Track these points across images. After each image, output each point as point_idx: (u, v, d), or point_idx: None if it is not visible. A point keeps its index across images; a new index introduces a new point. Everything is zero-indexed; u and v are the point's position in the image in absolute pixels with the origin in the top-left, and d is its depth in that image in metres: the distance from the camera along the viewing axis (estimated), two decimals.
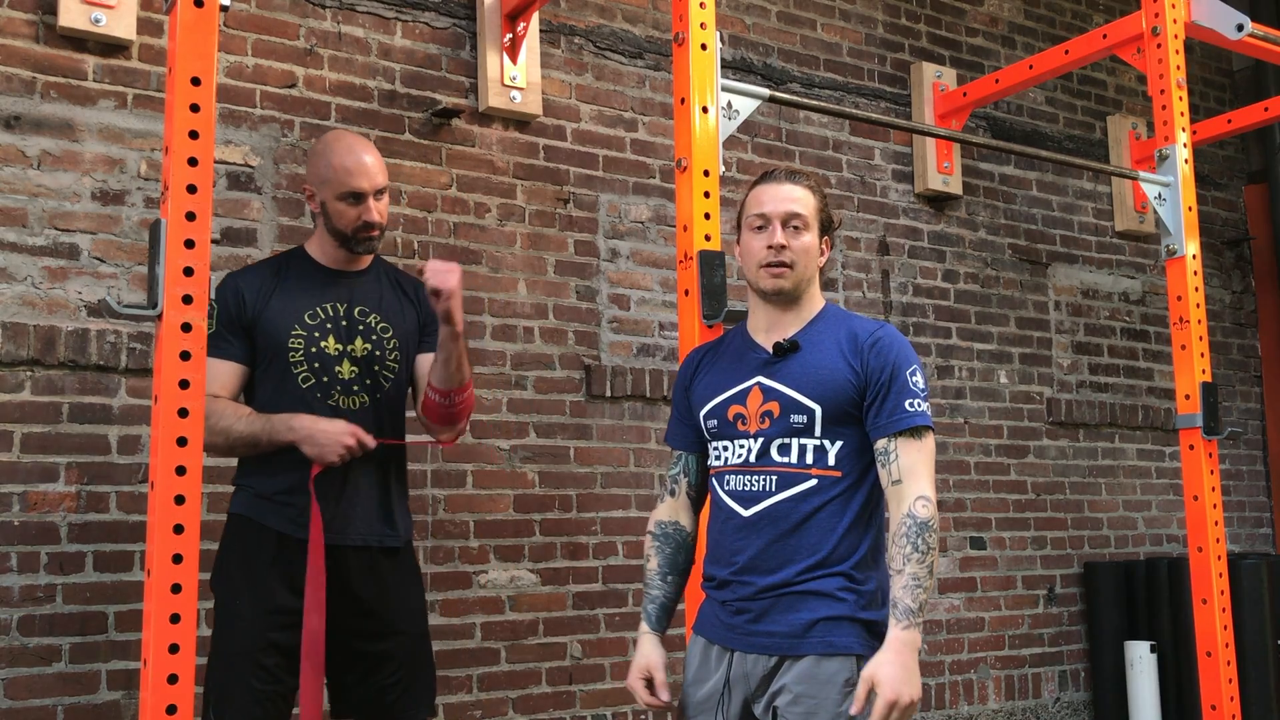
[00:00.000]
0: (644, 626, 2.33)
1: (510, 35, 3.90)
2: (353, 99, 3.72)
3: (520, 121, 4.00)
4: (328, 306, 2.67)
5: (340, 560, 2.59)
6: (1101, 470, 5.32)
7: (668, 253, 4.23)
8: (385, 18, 3.82)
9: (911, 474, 2.13)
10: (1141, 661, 4.87)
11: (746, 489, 2.21)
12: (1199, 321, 3.91)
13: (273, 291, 2.64)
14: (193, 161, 2.19)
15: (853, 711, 2.05)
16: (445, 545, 3.69)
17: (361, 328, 2.68)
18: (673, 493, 2.39)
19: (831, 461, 2.17)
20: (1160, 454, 5.52)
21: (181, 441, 2.14)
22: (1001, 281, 5.14)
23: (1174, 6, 4.03)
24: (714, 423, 2.28)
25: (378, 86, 3.77)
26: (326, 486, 2.56)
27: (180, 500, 2.12)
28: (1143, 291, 5.64)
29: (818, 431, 2.17)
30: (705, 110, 2.93)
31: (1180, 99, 3.97)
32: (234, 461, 2.71)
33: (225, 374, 2.56)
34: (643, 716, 3.96)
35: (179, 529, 2.12)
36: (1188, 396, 3.87)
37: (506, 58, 3.91)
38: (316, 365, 2.62)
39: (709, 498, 2.35)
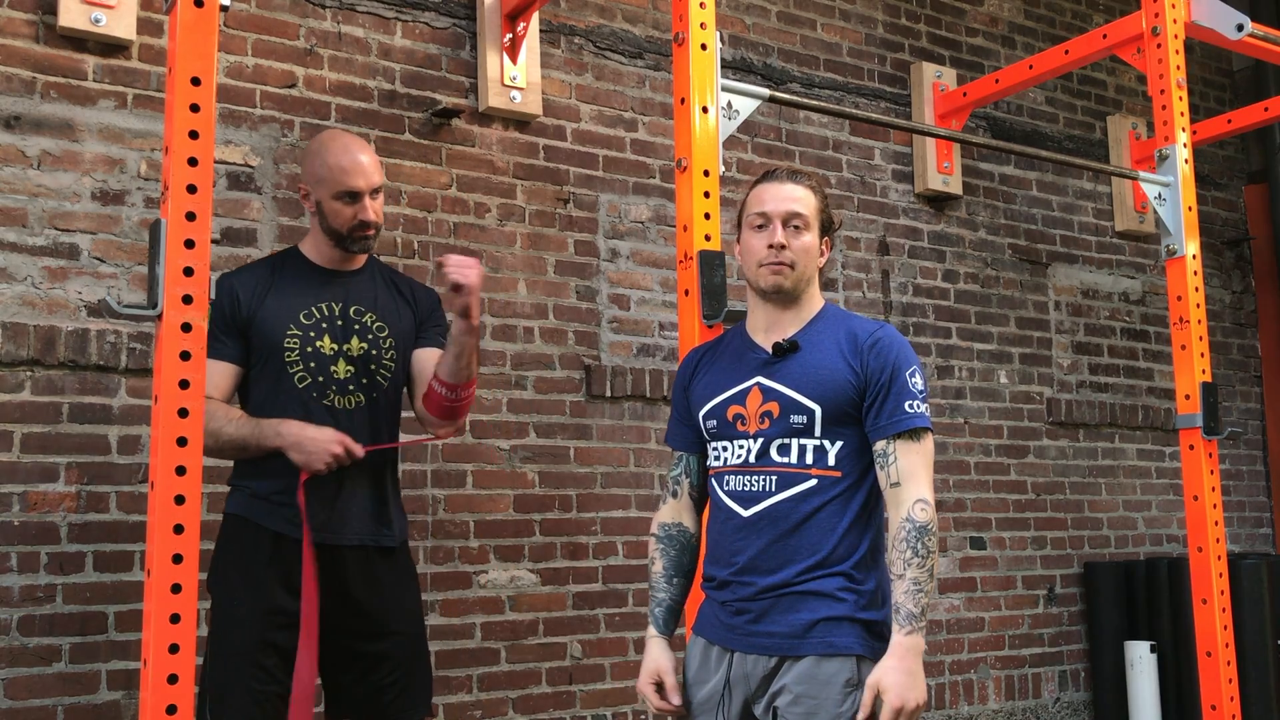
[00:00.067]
0: (651, 630, 2.33)
1: (510, 35, 3.90)
2: (353, 99, 3.72)
3: (520, 121, 4.00)
4: (323, 306, 2.67)
5: (336, 560, 2.59)
6: (1101, 470, 5.32)
7: (668, 253, 4.23)
8: (385, 18, 3.82)
9: (910, 477, 2.13)
10: (1141, 661, 4.87)
11: (746, 489, 2.21)
12: (1199, 321, 3.91)
13: (268, 291, 2.64)
14: (193, 161, 2.19)
15: (859, 718, 2.05)
16: (445, 545, 3.69)
17: (357, 327, 2.68)
18: (675, 494, 2.39)
19: (831, 462, 2.17)
20: (1160, 454, 5.52)
21: (181, 441, 2.14)
22: (1001, 281, 5.14)
23: (1174, 6, 4.03)
24: (713, 423, 2.27)
25: (378, 86, 3.77)
26: (321, 487, 2.56)
27: (180, 500, 2.12)
28: (1143, 291, 5.64)
29: (817, 432, 2.17)
30: (705, 110, 2.93)
31: (1180, 99, 3.97)
32: (231, 461, 2.71)
33: (218, 374, 2.55)
34: (643, 717, 3.96)
35: (179, 529, 2.12)
36: (1188, 396, 3.87)
37: (506, 58, 3.91)
38: (312, 365, 2.61)
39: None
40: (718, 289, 2.82)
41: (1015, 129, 5.28)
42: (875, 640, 2.13)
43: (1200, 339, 3.89)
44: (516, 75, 3.93)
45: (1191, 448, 3.86)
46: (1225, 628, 3.78)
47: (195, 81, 2.21)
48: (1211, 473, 3.85)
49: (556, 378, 3.97)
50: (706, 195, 2.87)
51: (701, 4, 2.94)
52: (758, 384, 2.24)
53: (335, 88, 3.70)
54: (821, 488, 2.16)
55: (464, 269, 2.52)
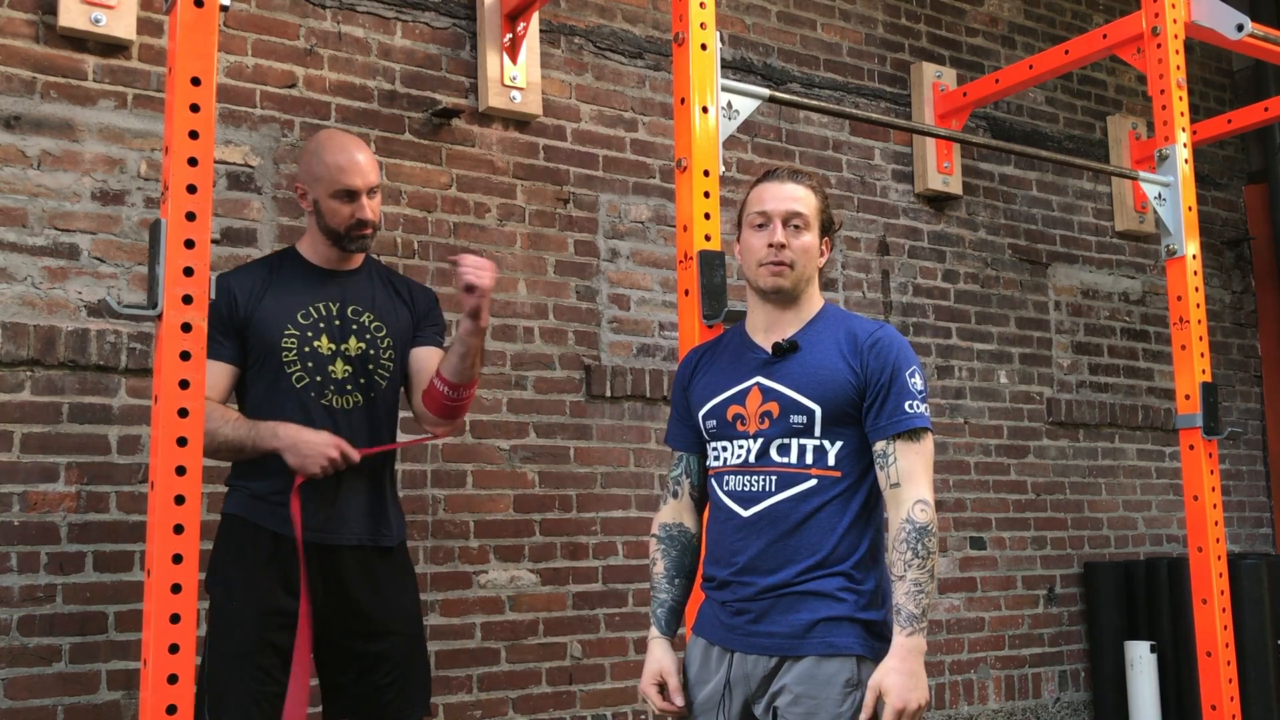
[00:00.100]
0: (654, 631, 2.33)
1: (510, 35, 3.90)
2: (353, 99, 3.72)
3: (520, 121, 4.00)
4: (320, 306, 2.66)
5: (335, 560, 2.59)
6: (1101, 470, 5.32)
7: (668, 253, 4.23)
8: (385, 18, 3.82)
9: (910, 477, 2.13)
10: (1141, 661, 4.87)
11: (746, 489, 2.20)
12: (1199, 321, 3.91)
13: (265, 291, 2.64)
14: (193, 161, 2.19)
15: (861, 719, 2.05)
16: (445, 545, 3.69)
17: (355, 327, 2.68)
18: (675, 494, 2.39)
19: (831, 462, 2.17)
20: (1160, 454, 5.52)
21: (181, 441, 2.14)
22: (1001, 281, 5.14)
23: (1174, 6, 4.03)
24: (713, 423, 2.27)
25: (378, 86, 3.77)
26: (319, 487, 2.55)
27: (180, 500, 2.12)
28: (1143, 291, 5.64)
29: (817, 432, 2.17)
30: (705, 110, 2.93)
31: (1180, 99, 3.97)
32: (228, 462, 2.70)
33: (215, 375, 2.54)
34: (643, 717, 3.96)
35: (179, 529, 2.12)
36: (1188, 396, 3.87)
37: (506, 58, 3.91)
38: (310, 365, 2.61)
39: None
40: (718, 289, 2.82)
41: (1015, 129, 5.28)
42: (875, 640, 2.13)
43: (1200, 339, 3.89)
44: (516, 75, 3.93)
45: (1191, 448, 3.86)
46: (1225, 628, 3.78)
47: (195, 81, 2.21)
48: (1211, 473, 3.84)
49: (556, 378, 3.97)
50: (706, 195, 2.87)
51: (701, 4, 2.94)
52: (757, 384, 2.23)
53: (335, 88, 3.70)
54: (821, 488, 2.16)
55: (480, 270, 2.54)
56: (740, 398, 2.24)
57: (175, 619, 2.10)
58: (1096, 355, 5.41)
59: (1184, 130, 3.97)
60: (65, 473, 3.18)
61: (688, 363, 2.42)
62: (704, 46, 2.94)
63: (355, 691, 2.63)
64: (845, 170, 4.76)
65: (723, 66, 3.07)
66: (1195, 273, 3.94)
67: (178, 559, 2.11)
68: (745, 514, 2.20)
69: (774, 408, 2.19)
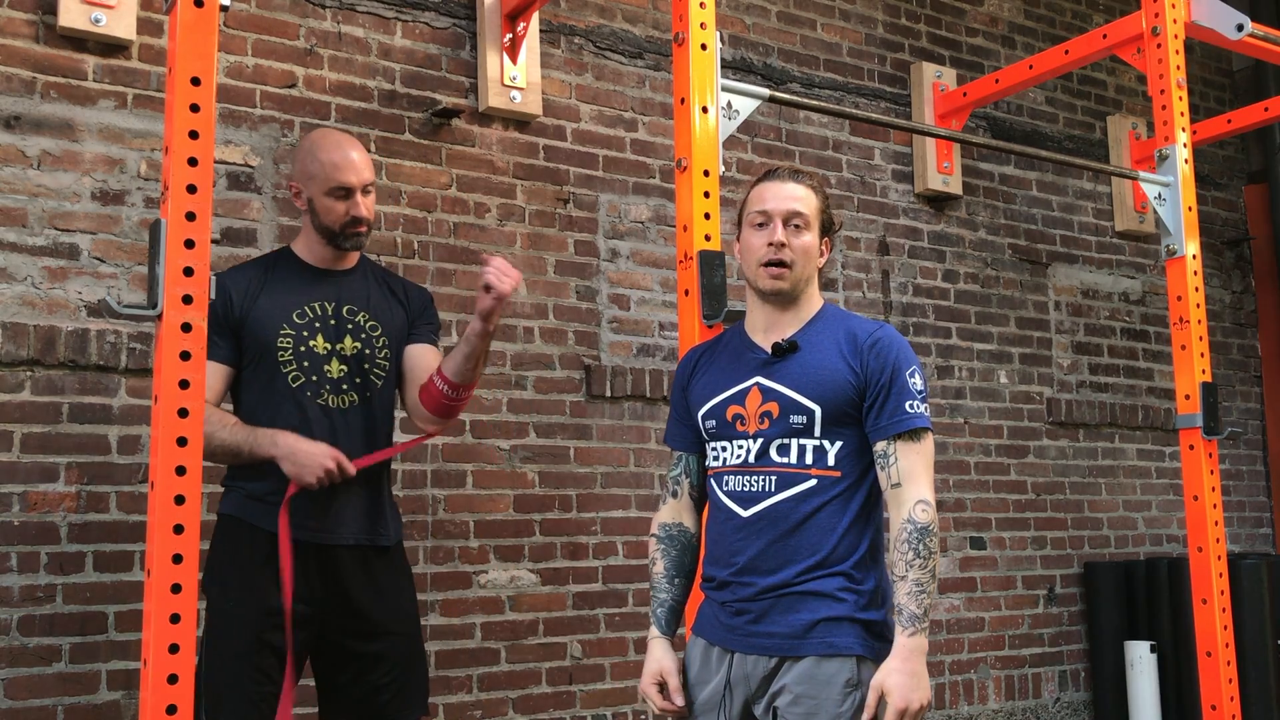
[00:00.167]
0: (654, 631, 2.32)
1: (510, 35, 3.90)
2: (353, 99, 3.72)
3: (520, 121, 4.00)
4: (315, 305, 2.66)
5: (333, 560, 2.59)
6: (1101, 470, 5.32)
7: (668, 253, 4.23)
8: (385, 18, 3.82)
9: (911, 477, 2.13)
10: (1141, 661, 4.87)
11: (746, 489, 2.20)
12: (1199, 321, 3.91)
13: (260, 291, 2.64)
14: (193, 161, 2.19)
15: (864, 719, 2.06)
16: (445, 545, 3.69)
17: (350, 326, 2.68)
18: (675, 494, 2.39)
19: (831, 462, 2.17)
20: (1160, 454, 5.52)
21: (181, 441, 2.14)
22: (1001, 281, 5.14)
23: (1174, 6, 4.03)
24: (712, 423, 2.27)
25: (378, 86, 3.77)
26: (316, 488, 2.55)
27: (180, 500, 2.12)
28: (1143, 291, 5.64)
29: (817, 432, 2.17)
30: (705, 110, 2.93)
31: (1180, 99, 3.97)
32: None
33: (210, 375, 2.53)
34: (643, 717, 3.96)
35: (179, 529, 2.12)
36: (1188, 396, 3.87)
37: (506, 58, 3.91)
38: (306, 364, 2.61)
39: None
40: (718, 289, 2.82)
41: (1015, 129, 5.28)
42: (875, 640, 2.13)
43: (1200, 339, 3.89)
44: (516, 75, 3.93)
45: (1191, 448, 3.86)
46: (1225, 628, 3.78)
47: (195, 81, 2.21)
48: (1211, 473, 3.84)
49: (556, 378, 3.97)
50: (706, 195, 2.87)
51: (701, 4, 2.94)
52: (757, 384, 2.23)
53: (335, 88, 3.70)
54: (821, 488, 2.16)
55: (504, 276, 2.54)
56: (740, 398, 2.24)
57: (175, 619, 2.10)
58: (1096, 355, 5.41)
59: (1184, 130, 3.97)
60: (65, 473, 3.18)
61: (687, 362, 2.41)
62: (704, 46, 2.94)
63: (353, 692, 2.63)
64: (845, 170, 4.76)
65: (723, 66, 3.07)
66: (1195, 273, 3.94)
67: (178, 559, 2.11)
68: (745, 514, 2.20)
69: (774, 408, 2.19)
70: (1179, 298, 3.93)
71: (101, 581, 3.19)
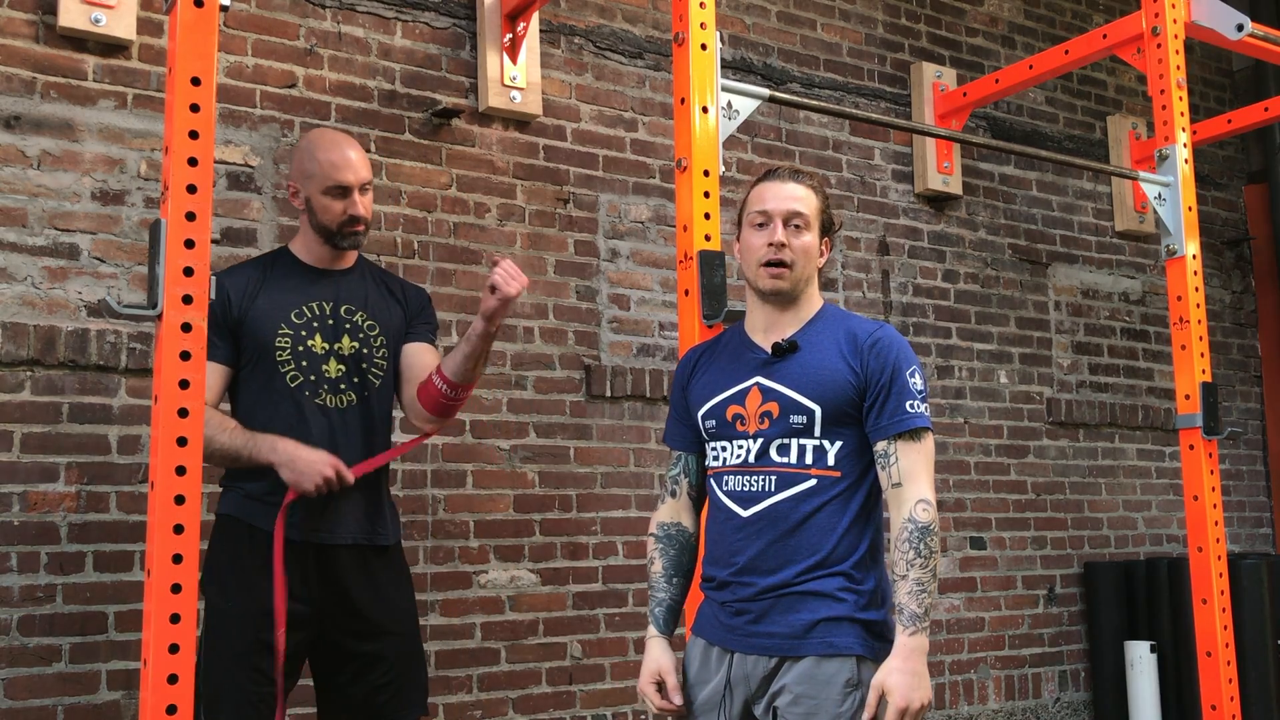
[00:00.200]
0: (652, 630, 2.32)
1: (510, 35, 3.90)
2: (353, 99, 3.72)
3: (520, 121, 4.00)
4: (314, 305, 2.66)
5: (332, 560, 2.58)
6: (1101, 470, 5.32)
7: (668, 253, 4.23)
8: (385, 18, 3.82)
9: (911, 477, 2.13)
10: (1141, 661, 4.87)
11: (745, 489, 2.20)
12: (1199, 321, 3.91)
13: (258, 291, 2.64)
14: (193, 161, 2.19)
15: (864, 719, 2.06)
16: (445, 545, 3.69)
17: (348, 326, 2.68)
18: (674, 493, 2.39)
19: (831, 462, 2.17)
20: (1160, 454, 5.52)
21: (181, 441, 2.14)
22: (1001, 281, 5.14)
23: (1174, 6, 4.03)
24: (712, 423, 2.27)
25: (378, 86, 3.77)
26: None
27: (180, 500, 2.12)
28: (1143, 291, 5.64)
29: (817, 432, 2.17)
30: (705, 110, 2.93)
31: (1180, 99, 3.97)
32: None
33: (209, 376, 2.53)
34: (643, 717, 3.96)
35: (179, 529, 2.12)
36: (1188, 396, 3.87)
37: (506, 58, 3.91)
38: (304, 364, 2.61)
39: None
40: (718, 289, 2.82)
41: (1015, 129, 5.28)
42: (875, 640, 2.13)
43: (1200, 339, 3.89)
44: (516, 75, 3.93)
45: (1191, 448, 3.86)
46: (1225, 628, 3.78)
47: (195, 81, 2.21)
48: (1211, 473, 3.84)
49: (556, 378, 3.97)
50: (706, 195, 2.87)
51: (701, 4, 2.94)
52: (757, 384, 2.23)
53: (335, 88, 3.70)
54: (821, 488, 2.16)
55: (512, 280, 2.54)
56: (740, 398, 2.24)
57: (175, 619, 2.10)
58: (1096, 355, 5.41)
59: (1184, 130, 3.97)
60: (65, 473, 3.18)
61: (686, 362, 2.41)
62: (704, 46, 2.94)
63: (352, 692, 2.63)
64: (845, 170, 4.76)
65: (723, 66, 3.07)
66: (1195, 273, 3.94)
67: (178, 559, 2.11)
68: (745, 514, 2.20)
69: (774, 408, 2.19)
70: (1179, 298, 3.93)
71: (101, 581, 3.19)
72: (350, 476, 2.54)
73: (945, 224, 5.00)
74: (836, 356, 2.20)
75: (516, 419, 3.87)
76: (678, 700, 2.25)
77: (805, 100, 3.84)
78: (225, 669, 2.49)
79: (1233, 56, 6.20)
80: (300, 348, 2.62)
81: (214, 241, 3.01)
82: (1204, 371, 3.87)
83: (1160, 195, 3.96)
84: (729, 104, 3.00)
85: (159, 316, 2.16)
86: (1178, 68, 3.98)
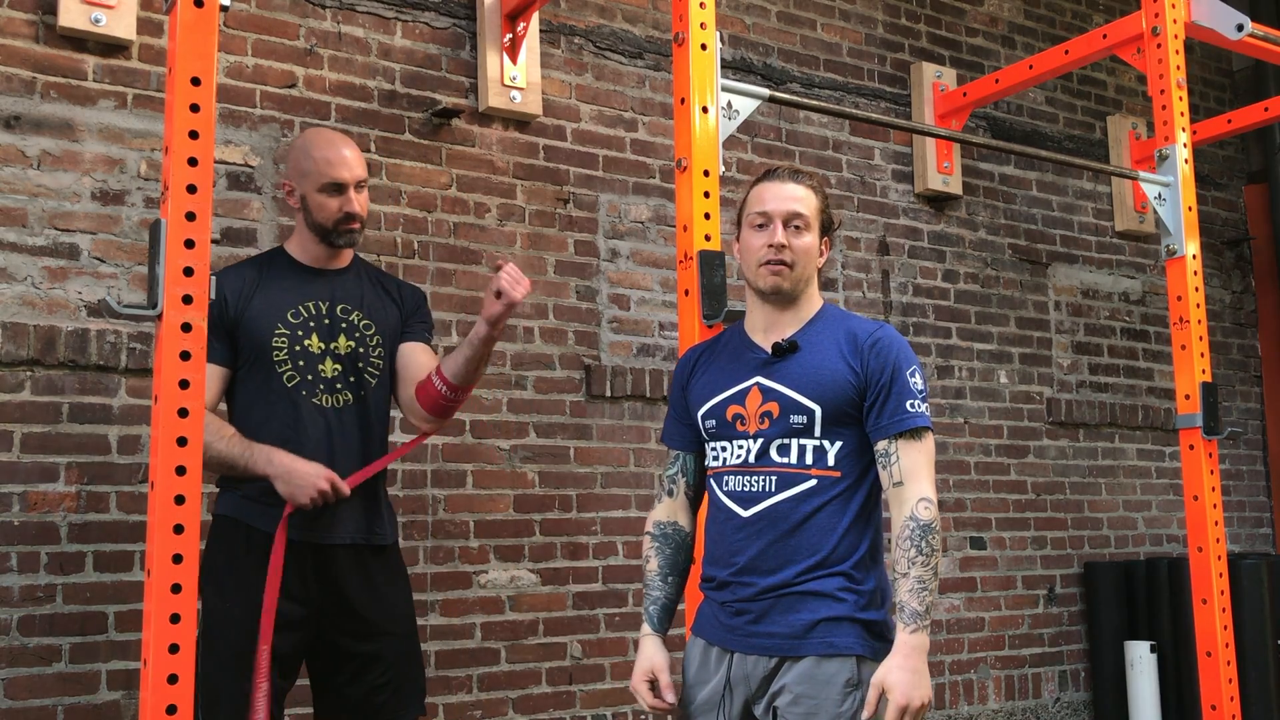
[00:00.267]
0: (645, 628, 2.32)
1: (510, 35, 3.90)
2: (353, 99, 3.72)
3: (520, 121, 4.00)
4: (310, 305, 2.66)
5: (329, 560, 2.58)
6: (1101, 470, 5.32)
7: (668, 253, 4.23)
8: (385, 18, 3.82)
9: (912, 476, 2.13)
10: (1141, 661, 4.87)
11: (746, 489, 2.20)
12: (1199, 321, 3.91)
13: (254, 292, 2.63)
14: (193, 161, 2.19)
15: (864, 717, 2.05)
16: (445, 545, 3.69)
17: (344, 325, 2.68)
18: (670, 493, 2.39)
19: (831, 462, 2.17)
20: (1160, 454, 5.52)
21: (181, 441, 2.14)
22: (1001, 281, 5.14)
23: (1174, 6, 4.03)
24: (712, 423, 2.27)
25: (378, 86, 3.77)
26: None
27: (180, 500, 2.12)
28: (1143, 291, 5.64)
29: (817, 432, 2.17)
30: (705, 110, 2.93)
31: (1180, 99, 3.97)
32: None
33: (207, 378, 2.54)
34: (643, 717, 3.96)
35: (179, 529, 2.12)
36: (1188, 396, 3.87)
37: (506, 58, 3.91)
38: (301, 364, 2.61)
39: (706, 498, 2.35)
40: (718, 289, 2.82)
41: (1015, 129, 5.28)
42: (875, 640, 2.13)
43: (1200, 339, 3.89)
44: (516, 75, 3.93)
45: (1191, 448, 3.86)
46: (1225, 628, 3.78)
47: (195, 81, 2.21)
48: (1211, 473, 3.84)
49: (556, 378, 3.97)
50: (706, 195, 2.87)
51: (701, 4, 2.94)
52: (757, 384, 2.23)
53: (335, 88, 3.70)
54: (821, 488, 2.16)
55: (516, 284, 2.53)
56: (740, 398, 2.24)
57: (175, 619, 2.10)
58: (1096, 355, 5.41)
59: (1184, 130, 3.97)
60: (65, 473, 3.18)
61: (686, 362, 2.41)
62: (704, 46, 2.94)
63: (350, 692, 2.63)
64: (845, 170, 4.76)
65: (723, 66, 3.07)
66: (1195, 273, 3.94)
67: (178, 559, 2.11)
68: (745, 514, 2.20)
69: (774, 408, 2.19)
70: (1179, 298, 3.93)
71: (101, 581, 3.19)
72: (346, 489, 2.54)
73: (945, 224, 5.00)
74: (836, 356, 2.20)
75: (516, 419, 3.87)
76: (670, 698, 2.24)
77: (805, 100, 3.84)
78: (223, 669, 2.48)
79: (1233, 56, 6.20)
80: (297, 348, 2.61)
81: (214, 241, 3.01)
82: (1204, 371, 3.87)
83: (1160, 195, 3.96)
84: (729, 104, 3.00)
85: (159, 316, 2.16)
86: (1178, 68, 3.98)
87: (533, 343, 3.93)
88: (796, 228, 2.24)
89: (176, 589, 2.10)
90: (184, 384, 2.15)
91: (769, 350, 2.25)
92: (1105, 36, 4.26)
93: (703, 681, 2.23)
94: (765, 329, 2.28)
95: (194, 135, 2.19)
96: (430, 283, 3.73)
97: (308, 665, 2.67)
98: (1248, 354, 6.03)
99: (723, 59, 3.20)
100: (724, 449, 2.25)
